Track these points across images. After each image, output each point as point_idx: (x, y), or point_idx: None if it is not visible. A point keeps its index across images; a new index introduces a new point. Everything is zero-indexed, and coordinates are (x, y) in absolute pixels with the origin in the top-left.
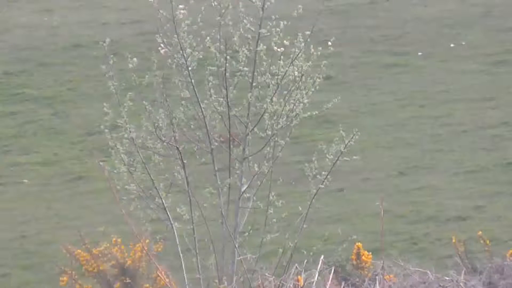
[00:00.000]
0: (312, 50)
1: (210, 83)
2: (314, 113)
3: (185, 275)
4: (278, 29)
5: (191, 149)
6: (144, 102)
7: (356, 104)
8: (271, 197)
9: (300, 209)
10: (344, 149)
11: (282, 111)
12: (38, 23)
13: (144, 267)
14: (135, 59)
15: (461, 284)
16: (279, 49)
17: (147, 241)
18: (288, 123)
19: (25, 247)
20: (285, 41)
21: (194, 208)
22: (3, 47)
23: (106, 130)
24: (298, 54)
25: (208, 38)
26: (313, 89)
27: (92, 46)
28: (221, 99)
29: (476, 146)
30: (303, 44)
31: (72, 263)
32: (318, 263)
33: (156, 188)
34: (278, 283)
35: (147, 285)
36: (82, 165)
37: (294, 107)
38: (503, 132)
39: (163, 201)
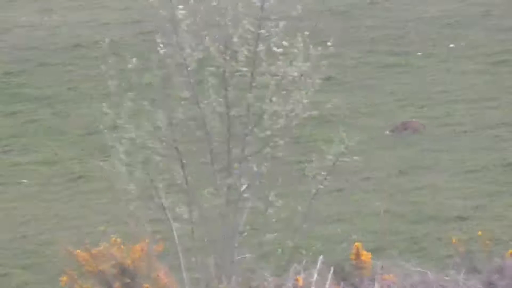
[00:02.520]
0: (312, 50)
1: (210, 83)
2: (314, 113)
3: (185, 275)
4: (277, 29)
5: (190, 149)
6: (144, 102)
7: (356, 104)
8: (270, 197)
9: (300, 209)
10: (344, 149)
11: (282, 111)
12: (38, 23)
13: (144, 267)
14: (135, 59)
15: (461, 284)
16: (278, 49)
17: (147, 241)
18: (288, 123)
19: (25, 247)
20: (284, 42)
21: (194, 208)
22: (3, 47)
23: (106, 130)
24: (298, 54)
25: (207, 38)
26: (312, 89)
27: (92, 46)
28: (221, 99)
29: (476, 146)
30: (302, 44)
31: (72, 263)
32: (318, 263)
33: (156, 188)
34: (278, 283)
35: (147, 285)
36: (82, 165)
37: (294, 107)
38: (503, 132)
39: (163, 201)
